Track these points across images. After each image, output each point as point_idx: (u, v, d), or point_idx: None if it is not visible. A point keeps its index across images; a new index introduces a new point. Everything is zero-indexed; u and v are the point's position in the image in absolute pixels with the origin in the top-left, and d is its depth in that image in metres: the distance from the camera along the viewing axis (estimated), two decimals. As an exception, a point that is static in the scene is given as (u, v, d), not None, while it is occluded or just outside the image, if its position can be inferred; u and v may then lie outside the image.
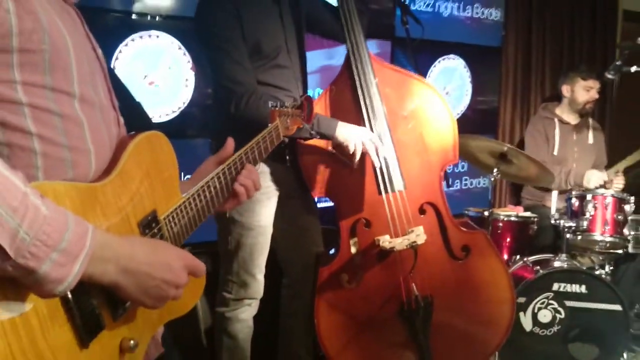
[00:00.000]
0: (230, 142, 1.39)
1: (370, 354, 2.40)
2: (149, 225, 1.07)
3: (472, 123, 4.35)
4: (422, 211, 2.35)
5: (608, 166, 3.77)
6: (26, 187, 0.78)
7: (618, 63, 2.76)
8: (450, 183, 4.32)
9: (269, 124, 1.53)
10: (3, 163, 0.78)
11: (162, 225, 1.11)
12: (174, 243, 1.14)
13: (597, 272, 3.01)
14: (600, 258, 3.37)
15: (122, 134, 1.11)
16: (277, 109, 1.57)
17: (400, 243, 2.21)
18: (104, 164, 1.02)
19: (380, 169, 2.29)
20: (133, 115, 1.44)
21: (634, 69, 2.76)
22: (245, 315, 2.46)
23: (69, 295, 0.87)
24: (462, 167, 4.31)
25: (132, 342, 1.00)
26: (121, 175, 1.02)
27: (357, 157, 2.24)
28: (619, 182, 3.51)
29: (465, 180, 4.41)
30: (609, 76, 2.85)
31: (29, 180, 0.82)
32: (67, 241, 0.79)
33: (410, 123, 2.35)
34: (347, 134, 2.23)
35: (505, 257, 3.37)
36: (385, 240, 2.23)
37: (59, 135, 0.94)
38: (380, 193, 2.31)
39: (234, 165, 1.33)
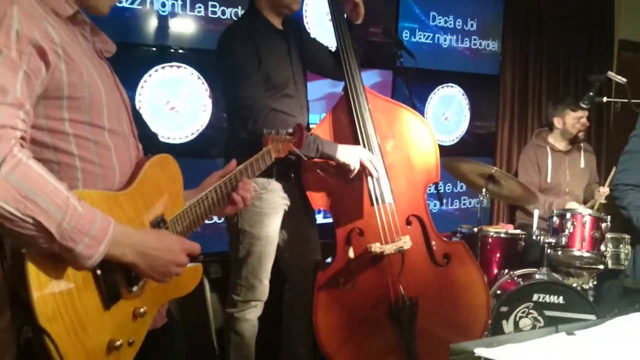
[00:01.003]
0: (233, 162, 1.69)
1: (364, 351, 2.67)
2: (158, 225, 1.40)
3: (470, 146, 4.63)
4: (408, 222, 2.66)
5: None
6: (68, 192, 1.12)
7: (591, 94, 3.04)
8: (449, 202, 4.62)
9: (263, 147, 1.80)
10: (53, 176, 1.12)
11: (169, 226, 1.43)
12: None
13: (574, 285, 3.26)
14: (585, 274, 3.62)
15: (140, 155, 1.45)
16: (270, 135, 1.85)
17: (389, 248, 2.51)
18: (126, 177, 1.36)
19: (373, 183, 2.60)
20: (149, 143, 1.74)
21: (605, 99, 3.05)
22: (251, 315, 2.73)
23: (99, 272, 1.21)
24: (461, 188, 4.57)
25: (142, 309, 1.33)
26: (138, 186, 1.35)
27: (355, 172, 2.56)
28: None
29: (464, 199, 4.68)
30: (584, 106, 3.14)
31: (72, 188, 1.17)
32: (95, 230, 1.14)
33: (398, 145, 2.67)
34: (347, 154, 2.55)
35: (495, 271, 3.63)
36: (377, 246, 2.53)
37: (93, 157, 1.28)
38: (372, 205, 2.62)
39: (229, 181, 1.62)
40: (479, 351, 1.15)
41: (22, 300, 1.10)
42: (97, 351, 1.21)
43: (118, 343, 1.24)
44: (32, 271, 1.10)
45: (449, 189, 4.57)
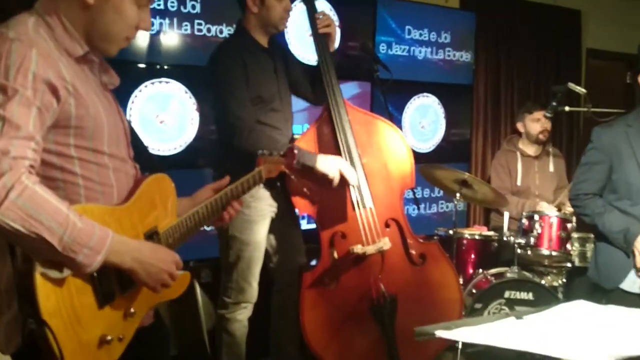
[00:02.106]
0: (226, 179, 1.85)
1: (349, 347, 2.85)
2: (151, 237, 1.58)
3: (446, 153, 4.84)
4: (387, 225, 2.86)
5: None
6: (69, 211, 1.31)
7: (554, 104, 3.27)
8: (427, 207, 4.83)
9: (255, 167, 1.93)
10: (56, 198, 1.31)
11: (161, 238, 1.61)
12: (171, 250, 1.63)
13: (543, 282, 3.48)
14: (554, 272, 3.85)
15: (137, 174, 1.64)
16: (263, 156, 1.98)
17: (370, 249, 2.72)
18: (124, 194, 1.55)
19: (354, 189, 2.80)
20: (141, 155, 1.89)
21: (567, 108, 3.28)
22: (241, 316, 2.90)
23: (95, 275, 1.39)
24: (438, 193, 4.78)
25: (132, 310, 1.51)
26: (135, 202, 1.54)
27: (336, 182, 2.75)
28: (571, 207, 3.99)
29: (441, 204, 4.90)
30: (547, 115, 3.36)
31: (75, 203, 1.37)
32: (93, 242, 1.33)
33: (376, 154, 2.87)
34: (326, 164, 2.73)
35: (470, 271, 3.84)
36: (359, 248, 2.73)
37: (94, 176, 1.48)
38: (354, 209, 2.81)
39: (220, 199, 1.79)
40: (439, 333, 1.35)
41: (28, 297, 1.29)
42: (90, 344, 1.40)
43: (109, 338, 1.43)
44: (39, 273, 1.29)
45: (426, 194, 4.78)
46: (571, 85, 3.19)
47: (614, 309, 1.67)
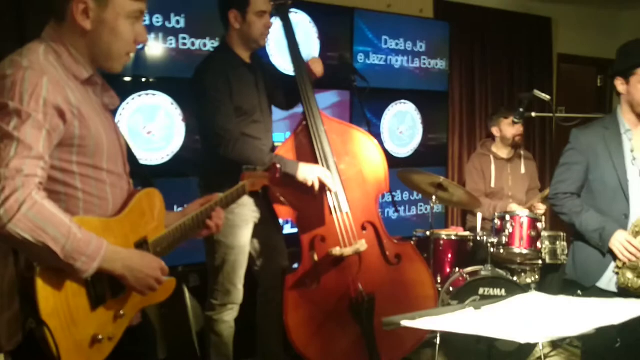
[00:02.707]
0: (215, 195, 2.00)
1: (330, 344, 3.02)
2: (141, 246, 1.73)
3: (424, 157, 5.03)
4: (363, 228, 3.03)
5: (542, 189, 4.42)
6: (71, 223, 1.47)
7: (521, 110, 3.46)
8: (406, 209, 5.01)
9: (239, 181, 2.09)
10: (61, 212, 1.46)
11: (150, 247, 1.76)
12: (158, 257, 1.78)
13: (515, 279, 3.66)
14: (527, 269, 4.04)
15: (131, 188, 1.79)
16: (248, 171, 2.14)
17: (348, 251, 2.89)
18: (118, 206, 1.70)
19: (332, 195, 2.96)
20: (134, 167, 1.99)
21: (533, 114, 3.47)
22: (228, 317, 3.04)
23: (89, 280, 1.55)
24: (417, 196, 4.95)
25: (122, 312, 1.66)
26: (127, 214, 1.69)
27: (316, 188, 2.92)
28: (541, 208, 4.19)
29: (420, 206, 5.08)
30: (516, 120, 3.55)
31: (74, 214, 1.53)
32: (90, 251, 1.49)
33: (352, 162, 3.05)
34: (306, 172, 2.90)
35: (448, 270, 4.02)
36: (337, 250, 2.90)
37: (92, 190, 1.63)
38: (332, 214, 2.98)
39: (205, 211, 1.94)
40: (404, 322, 1.52)
41: (30, 299, 1.45)
42: (83, 343, 1.55)
43: (100, 337, 1.58)
44: (39, 279, 1.45)
45: (406, 198, 4.96)
46: (536, 92, 3.38)
47: (562, 298, 1.85)
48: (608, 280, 2.60)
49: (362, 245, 2.91)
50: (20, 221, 1.39)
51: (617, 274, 2.55)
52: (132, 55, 1.70)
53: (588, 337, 2.77)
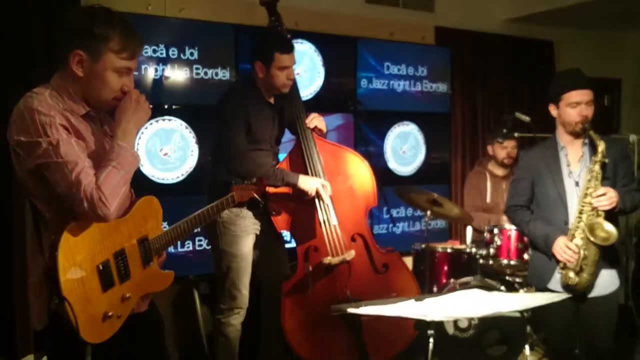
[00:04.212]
0: None
1: (323, 344, 3.31)
2: (142, 242, 2.08)
3: (428, 175, 5.29)
4: (353, 239, 3.34)
5: None
6: (110, 165, 1.86)
7: (504, 131, 3.75)
8: (411, 225, 5.28)
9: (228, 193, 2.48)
10: (104, 174, 1.85)
11: (150, 243, 2.10)
12: (157, 253, 2.14)
13: (502, 288, 3.90)
14: (519, 280, 4.26)
15: (132, 196, 2.14)
16: (236, 184, 2.54)
17: (336, 260, 3.20)
18: (122, 211, 2.02)
19: (322, 209, 3.28)
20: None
21: (516, 134, 3.76)
22: (235, 321, 3.35)
23: (101, 267, 1.90)
24: (421, 212, 5.21)
25: (128, 295, 2.00)
26: (131, 216, 2.04)
27: (312, 195, 3.21)
28: None
29: (423, 222, 5.32)
30: (499, 140, 3.83)
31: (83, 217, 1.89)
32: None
33: (342, 179, 3.37)
34: (306, 183, 3.23)
35: (444, 280, 4.28)
36: (327, 259, 3.21)
37: None
38: (321, 226, 3.29)
39: (198, 216, 2.30)
40: (350, 310, 1.82)
41: (53, 280, 1.80)
42: (96, 317, 1.90)
43: (110, 314, 1.92)
44: (60, 262, 1.79)
45: (409, 214, 5.24)
46: (517, 114, 3.67)
47: (497, 294, 2.14)
48: (556, 281, 2.91)
49: (349, 254, 3.21)
50: (102, 203, 1.82)
51: (561, 274, 2.86)
52: (118, 100, 2.00)
53: (551, 337, 3.10)
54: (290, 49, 3.24)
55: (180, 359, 3.90)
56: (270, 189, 3.21)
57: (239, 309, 3.36)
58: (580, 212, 2.82)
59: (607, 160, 2.81)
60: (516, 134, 3.75)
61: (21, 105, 1.86)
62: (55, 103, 1.89)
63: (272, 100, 3.35)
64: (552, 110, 2.98)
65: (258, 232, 3.36)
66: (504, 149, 4.59)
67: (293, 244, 3.46)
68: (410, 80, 5.17)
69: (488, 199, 4.69)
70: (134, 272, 2.03)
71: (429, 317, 1.82)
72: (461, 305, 2.01)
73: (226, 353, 3.39)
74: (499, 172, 4.75)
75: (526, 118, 3.62)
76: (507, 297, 2.23)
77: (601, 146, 2.80)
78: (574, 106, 2.86)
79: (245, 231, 3.29)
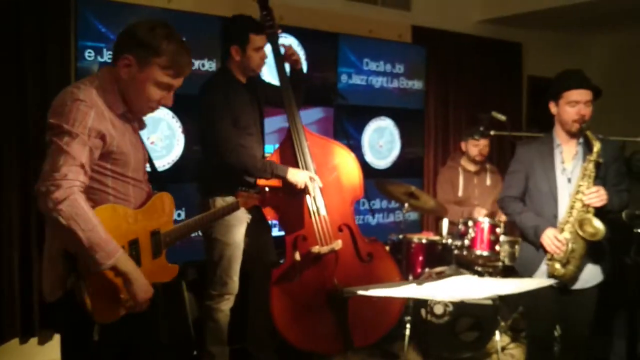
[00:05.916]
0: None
1: (310, 331, 3.46)
2: (154, 234, 2.18)
3: (402, 169, 5.47)
4: (340, 229, 3.49)
5: None
6: (98, 223, 1.92)
7: (481, 129, 3.94)
8: (386, 216, 5.47)
9: (235, 186, 2.65)
10: (91, 210, 1.91)
11: (161, 236, 2.21)
12: (167, 246, 2.25)
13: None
14: (490, 270, 4.49)
15: (150, 190, 2.24)
16: (242, 191, 2.69)
17: (324, 249, 3.35)
18: (138, 204, 2.15)
19: (311, 200, 3.42)
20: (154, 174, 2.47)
21: (492, 132, 3.95)
22: (225, 306, 3.46)
23: (133, 252, 2.02)
24: (395, 204, 5.39)
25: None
26: (146, 209, 2.16)
27: (300, 187, 3.34)
28: (503, 216, 4.64)
29: (398, 214, 5.51)
30: (476, 138, 4.02)
31: (104, 203, 2.01)
32: (108, 249, 1.92)
33: (330, 171, 3.52)
34: (295, 175, 3.34)
35: (419, 270, 4.47)
36: (315, 248, 3.35)
37: (120, 189, 2.09)
38: (311, 217, 3.43)
39: (206, 216, 2.46)
40: (360, 292, 1.98)
41: (71, 258, 1.91)
42: (107, 299, 2.00)
43: (122, 297, 2.04)
44: None
45: (384, 206, 5.42)
46: (494, 113, 3.86)
47: (488, 279, 2.32)
48: (542, 272, 3.06)
49: (337, 244, 3.37)
50: (62, 210, 1.85)
51: (548, 265, 3.01)
52: (154, 110, 2.15)
53: (530, 324, 3.29)
54: (262, 30, 3.41)
55: (167, 344, 3.98)
56: (261, 181, 3.32)
57: (229, 295, 3.46)
58: (572, 208, 2.94)
59: (601, 161, 2.91)
60: (492, 132, 3.94)
61: (67, 93, 1.97)
62: (99, 100, 2.00)
63: (245, 81, 3.46)
64: (552, 107, 3.07)
65: (249, 221, 3.47)
66: (476, 147, 4.78)
67: (280, 233, 3.57)
68: (387, 77, 5.33)
69: (460, 193, 4.89)
70: (144, 261, 2.13)
71: (436, 298, 1.98)
72: (460, 289, 2.18)
73: (216, 338, 3.49)
74: (471, 167, 4.95)
75: (502, 117, 3.82)
76: (503, 282, 2.40)
77: (597, 146, 2.91)
78: (573, 105, 2.96)
79: (239, 220, 3.40)
